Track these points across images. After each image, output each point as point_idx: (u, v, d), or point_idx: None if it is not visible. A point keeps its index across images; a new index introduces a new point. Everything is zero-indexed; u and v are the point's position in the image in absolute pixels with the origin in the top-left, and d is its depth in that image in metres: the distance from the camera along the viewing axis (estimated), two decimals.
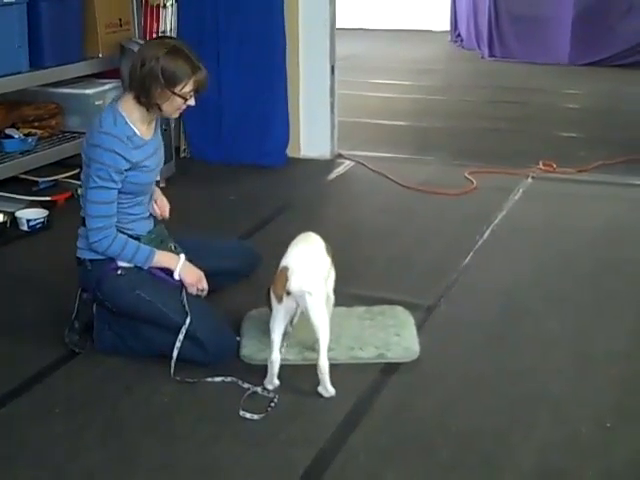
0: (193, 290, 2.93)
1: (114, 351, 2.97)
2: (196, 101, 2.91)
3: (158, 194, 3.19)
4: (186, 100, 2.88)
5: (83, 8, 4.72)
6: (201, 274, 2.96)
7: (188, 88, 2.84)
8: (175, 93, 2.83)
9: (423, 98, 7.83)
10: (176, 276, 2.91)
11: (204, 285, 2.95)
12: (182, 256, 2.96)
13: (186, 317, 2.83)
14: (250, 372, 2.82)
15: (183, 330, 2.81)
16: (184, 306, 2.85)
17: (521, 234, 4.19)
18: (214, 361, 2.85)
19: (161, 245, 3.00)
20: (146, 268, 2.91)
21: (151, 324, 2.89)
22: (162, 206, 3.18)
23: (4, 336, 3.14)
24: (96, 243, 2.86)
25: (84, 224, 2.94)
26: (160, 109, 2.87)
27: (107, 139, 2.80)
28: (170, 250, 3.03)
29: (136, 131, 2.88)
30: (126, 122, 2.85)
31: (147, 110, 2.88)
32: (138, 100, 2.86)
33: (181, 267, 2.93)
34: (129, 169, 2.84)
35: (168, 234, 3.10)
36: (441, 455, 2.43)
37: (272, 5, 5.14)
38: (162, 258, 2.94)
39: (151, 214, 3.09)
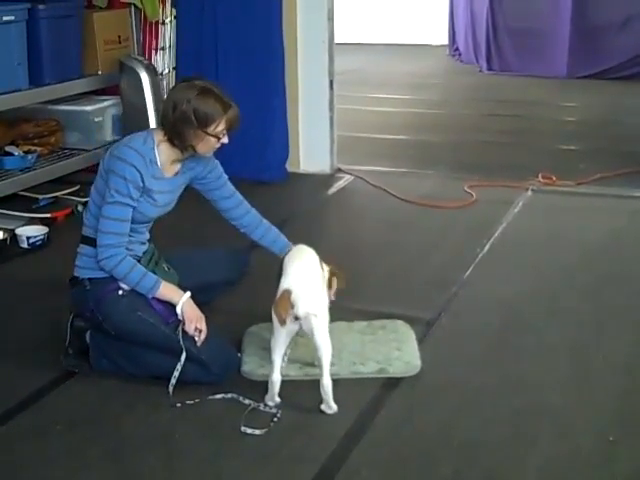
0: (191, 328, 2.81)
1: (112, 373, 2.93)
2: (229, 139, 2.88)
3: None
4: (219, 139, 2.86)
5: (82, 25, 4.75)
6: (202, 316, 2.85)
7: (221, 127, 2.82)
8: (208, 133, 2.81)
9: (422, 112, 7.84)
10: (178, 310, 2.82)
11: (203, 327, 2.83)
12: (188, 293, 2.87)
13: (181, 352, 2.77)
14: (251, 388, 2.81)
15: (178, 367, 2.76)
16: (179, 342, 2.78)
17: (521, 247, 4.19)
18: (218, 380, 2.83)
19: (156, 267, 2.97)
20: (150, 297, 2.84)
21: (151, 347, 2.84)
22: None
23: (3, 354, 3.13)
24: (104, 260, 2.81)
25: (83, 242, 2.92)
26: (195, 149, 2.86)
27: (131, 154, 2.79)
28: (164, 270, 2.99)
29: (158, 161, 2.86)
30: (153, 147, 2.84)
31: (181, 152, 2.88)
32: (172, 142, 2.85)
33: (184, 302, 2.83)
34: (141, 190, 2.83)
35: (159, 255, 3.05)
36: (443, 469, 2.42)
37: (271, 21, 5.15)
38: (167, 290, 2.86)
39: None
